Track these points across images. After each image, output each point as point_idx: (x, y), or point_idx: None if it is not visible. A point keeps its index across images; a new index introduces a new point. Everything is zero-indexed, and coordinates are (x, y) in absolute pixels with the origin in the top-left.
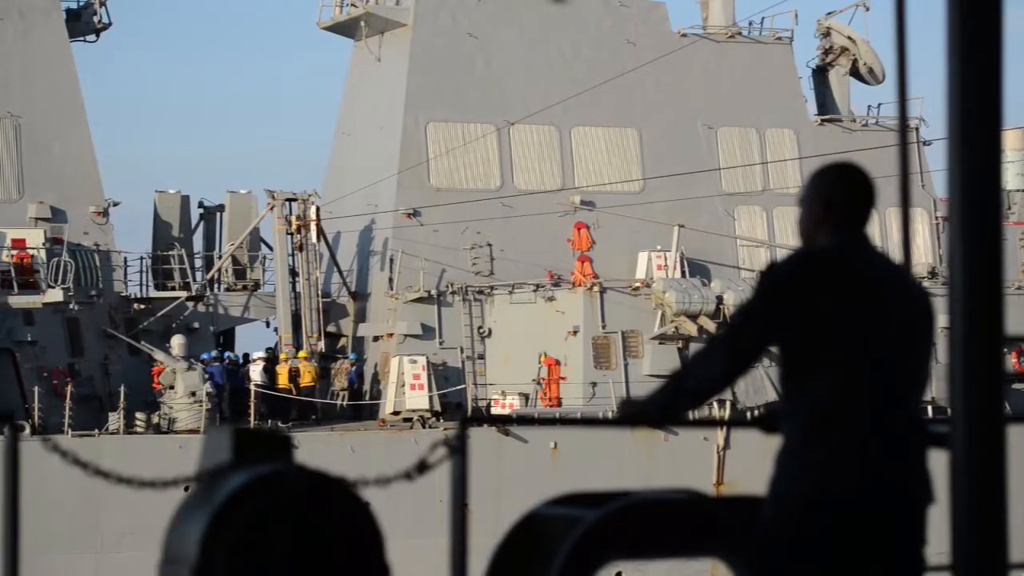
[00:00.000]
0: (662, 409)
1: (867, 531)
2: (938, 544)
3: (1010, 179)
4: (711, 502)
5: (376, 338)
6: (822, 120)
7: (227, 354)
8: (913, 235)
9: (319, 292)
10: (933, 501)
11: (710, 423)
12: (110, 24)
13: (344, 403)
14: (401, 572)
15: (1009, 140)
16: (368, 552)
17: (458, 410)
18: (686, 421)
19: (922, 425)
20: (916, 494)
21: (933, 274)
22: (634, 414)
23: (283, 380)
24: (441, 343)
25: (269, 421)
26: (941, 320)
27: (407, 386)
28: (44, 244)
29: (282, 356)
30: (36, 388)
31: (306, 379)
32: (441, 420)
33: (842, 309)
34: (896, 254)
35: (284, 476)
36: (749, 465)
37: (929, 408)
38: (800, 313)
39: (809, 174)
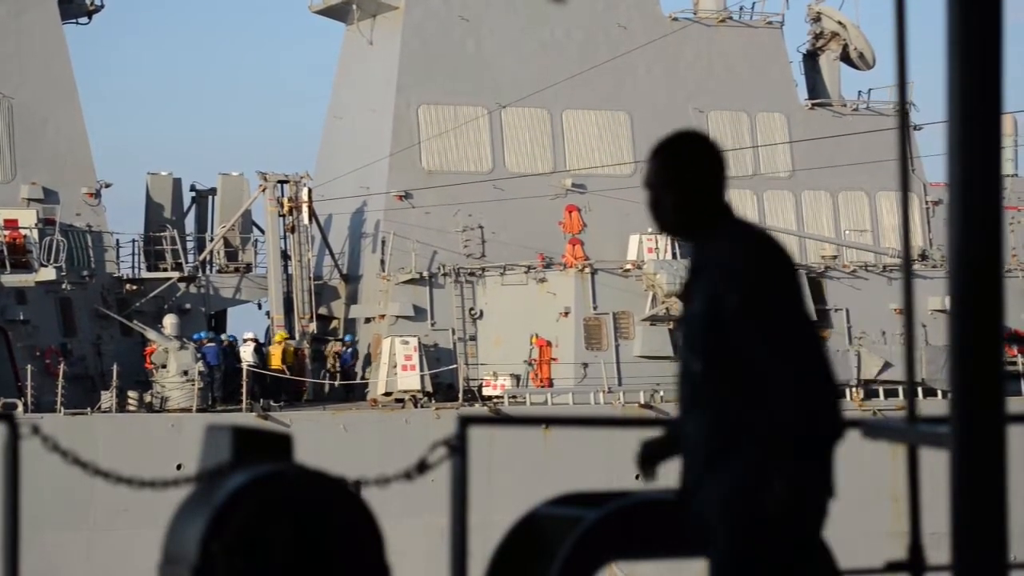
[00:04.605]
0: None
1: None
2: (942, 545)
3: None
4: None
5: (368, 320)
6: (812, 104)
7: (223, 336)
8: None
9: (311, 274)
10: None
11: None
12: (102, 6)
13: (337, 383)
14: (395, 551)
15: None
16: (368, 552)
17: (449, 390)
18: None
19: None
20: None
21: (923, 257)
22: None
23: (276, 361)
24: (433, 324)
25: (261, 401)
26: (934, 305)
27: (399, 367)
28: (36, 225)
29: (276, 338)
30: (29, 367)
31: (289, 359)
32: (432, 400)
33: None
34: (892, 238)
35: (284, 476)
36: None
37: (920, 391)
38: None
39: (675, 149)
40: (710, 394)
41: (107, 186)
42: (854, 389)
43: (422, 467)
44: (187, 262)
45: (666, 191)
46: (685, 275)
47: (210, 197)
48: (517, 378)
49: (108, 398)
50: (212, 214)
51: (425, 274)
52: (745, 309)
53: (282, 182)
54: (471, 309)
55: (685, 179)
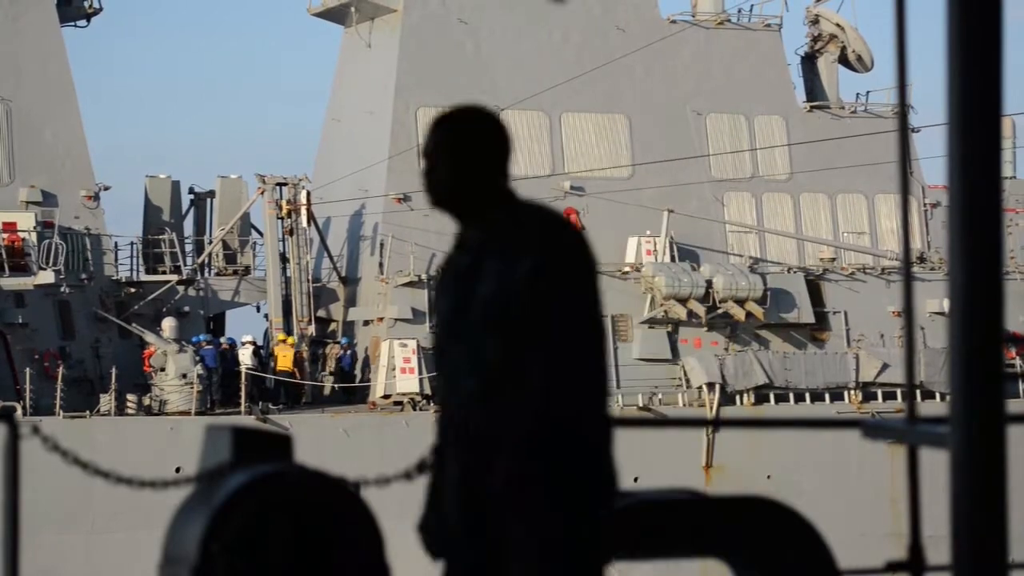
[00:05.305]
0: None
1: None
2: (942, 545)
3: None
4: (711, 502)
5: (366, 322)
6: (811, 107)
7: (221, 339)
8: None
9: (309, 277)
10: None
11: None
12: (100, 9)
13: (336, 386)
14: (395, 552)
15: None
16: (368, 552)
17: None
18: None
19: None
20: None
21: (922, 259)
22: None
23: (287, 363)
24: (431, 327)
25: (260, 404)
26: (932, 307)
27: (397, 369)
28: (35, 227)
29: (289, 340)
30: (27, 370)
31: (288, 363)
32: (431, 403)
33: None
34: (891, 241)
35: (284, 476)
36: (739, 448)
37: (918, 393)
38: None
39: (455, 121)
40: (516, 382)
41: (106, 189)
42: (852, 391)
43: (422, 467)
44: (185, 265)
45: (441, 163)
46: (458, 256)
47: (209, 200)
48: None
49: (107, 401)
50: (211, 217)
51: (424, 277)
52: (541, 292)
53: (281, 185)
54: None
55: (463, 152)
